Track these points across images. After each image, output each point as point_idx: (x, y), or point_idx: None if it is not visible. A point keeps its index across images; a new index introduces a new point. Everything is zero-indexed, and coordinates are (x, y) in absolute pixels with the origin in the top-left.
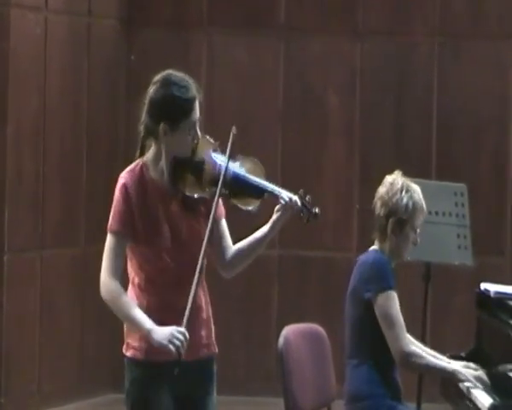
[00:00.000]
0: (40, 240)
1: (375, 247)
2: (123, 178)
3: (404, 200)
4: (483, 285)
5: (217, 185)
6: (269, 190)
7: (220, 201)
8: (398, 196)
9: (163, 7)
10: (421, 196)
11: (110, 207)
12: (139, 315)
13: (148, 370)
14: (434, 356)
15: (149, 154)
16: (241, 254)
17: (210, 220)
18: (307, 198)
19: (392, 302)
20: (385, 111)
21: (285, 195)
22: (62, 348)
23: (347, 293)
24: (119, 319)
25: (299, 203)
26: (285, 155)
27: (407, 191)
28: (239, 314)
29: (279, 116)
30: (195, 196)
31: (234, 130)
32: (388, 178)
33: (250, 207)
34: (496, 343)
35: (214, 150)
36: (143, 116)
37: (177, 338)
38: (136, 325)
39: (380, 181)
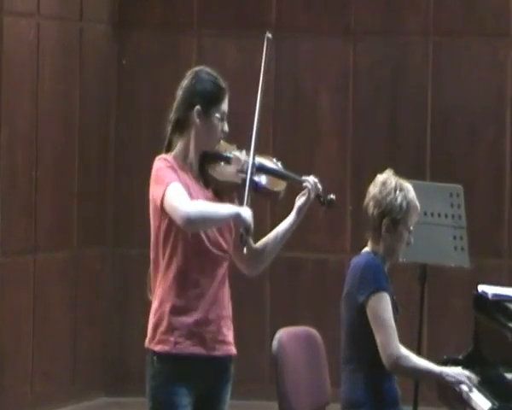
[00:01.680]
0: (33, 243)
1: (367, 248)
2: (159, 158)
3: (399, 199)
4: (480, 287)
5: (245, 173)
6: (291, 176)
7: None
8: (392, 195)
9: (153, 10)
10: (414, 194)
11: (103, 209)
12: (223, 207)
13: (171, 363)
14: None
15: (176, 150)
16: (266, 247)
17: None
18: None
19: (384, 304)
20: (378, 111)
21: (308, 178)
22: (56, 350)
23: (342, 296)
24: (213, 225)
25: (319, 186)
26: (277, 155)
27: (401, 190)
28: (232, 316)
29: (270, 117)
30: (228, 180)
31: (268, 34)
32: (380, 178)
33: (278, 189)
34: (494, 346)
35: (234, 149)
36: (173, 112)
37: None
38: (227, 214)
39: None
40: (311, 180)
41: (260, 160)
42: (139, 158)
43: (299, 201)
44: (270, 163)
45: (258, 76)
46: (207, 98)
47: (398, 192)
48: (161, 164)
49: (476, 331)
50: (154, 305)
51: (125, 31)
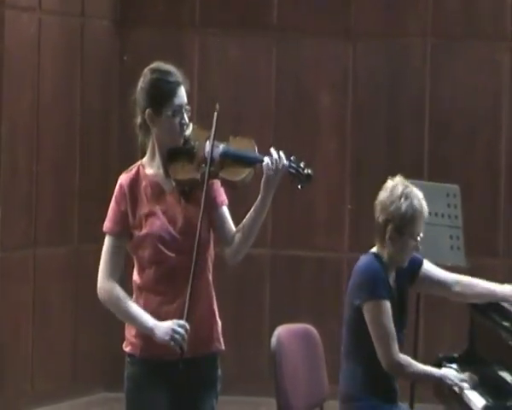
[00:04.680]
0: (33, 238)
1: (374, 249)
2: (120, 179)
3: (403, 208)
4: None
5: (205, 166)
6: (257, 159)
7: (222, 189)
8: (397, 203)
9: (156, 7)
10: (422, 201)
11: (103, 205)
12: (140, 314)
13: (143, 367)
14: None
15: (146, 154)
16: (239, 234)
17: (202, 200)
18: (301, 164)
19: (381, 311)
20: (377, 112)
21: (266, 157)
22: (56, 346)
23: (347, 292)
24: (119, 318)
25: (283, 162)
26: None
27: (406, 198)
28: (231, 313)
29: (271, 117)
30: (186, 178)
31: (217, 107)
32: (390, 183)
33: (239, 178)
34: (489, 344)
35: (207, 138)
36: (136, 117)
37: (178, 333)
38: (137, 325)
39: (372, 181)
40: (266, 159)
41: (224, 148)
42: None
43: (262, 180)
44: (235, 151)
45: (258, 75)
46: (155, 99)
47: (402, 200)
48: (115, 191)
49: (471, 330)
50: None
51: (127, 27)
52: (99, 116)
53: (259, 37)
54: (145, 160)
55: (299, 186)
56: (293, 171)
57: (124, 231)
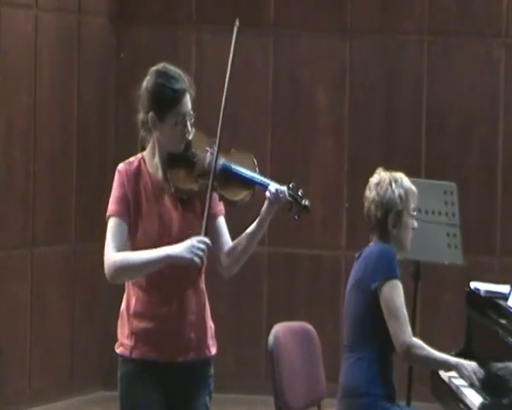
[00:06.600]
0: (31, 237)
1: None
2: (119, 167)
3: (396, 192)
4: (473, 284)
5: (206, 178)
6: (257, 181)
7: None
8: (389, 190)
9: (152, 4)
10: (407, 179)
11: (101, 204)
12: (150, 252)
13: (136, 367)
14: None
15: (147, 149)
16: (235, 250)
17: (205, 211)
18: (299, 192)
19: (398, 292)
20: (374, 109)
21: (272, 186)
22: (53, 345)
23: (348, 287)
24: (139, 274)
25: (286, 195)
26: (274, 152)
27: (395, 182)
28: (229, 312)
29: (268, 114)
30: (185, 188)
31: (237, 23)
32: (373, 181)
33: (237, 198)
34: (486, 342)
35: (209, 146)
36: (138, 112)
37: (199, 248)
38: (154, 261)
39: (369, 179)
40: (271, 187)
41: (224, 163)
42: (137, 152)
43: (264, 206)
44: (235, 169)
45: (255, 73)
46: (160, 104)
47: (393, 185)
48: (116, 178)
49: (468, 328)
50: (121, 307)
51: (124, 24)
52: (96, 114)
53: (256, 34)
54: (146, 155)
55: (296, 217)
56: (291, 199)
57: (126, 211)
